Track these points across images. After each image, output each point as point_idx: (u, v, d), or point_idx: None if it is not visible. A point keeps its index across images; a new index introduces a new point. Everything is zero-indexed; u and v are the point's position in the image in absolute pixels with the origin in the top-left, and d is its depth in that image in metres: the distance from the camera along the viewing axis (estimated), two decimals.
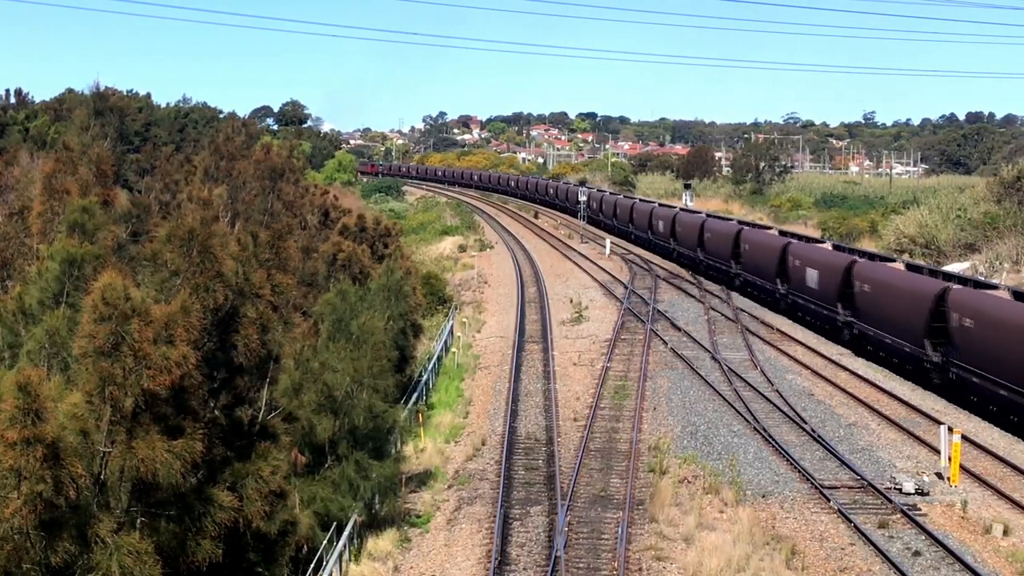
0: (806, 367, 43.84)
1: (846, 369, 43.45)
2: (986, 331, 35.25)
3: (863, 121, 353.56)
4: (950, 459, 29.71)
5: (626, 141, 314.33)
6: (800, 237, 61.60)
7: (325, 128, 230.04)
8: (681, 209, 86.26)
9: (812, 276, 51.34)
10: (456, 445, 33.94)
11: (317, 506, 23.31)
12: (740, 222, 72.68)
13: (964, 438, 30.87)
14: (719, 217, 78.55)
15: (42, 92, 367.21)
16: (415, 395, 37.27)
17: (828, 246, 55.77)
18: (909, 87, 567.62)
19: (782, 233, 64.12)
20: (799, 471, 30.23)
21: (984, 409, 36.29)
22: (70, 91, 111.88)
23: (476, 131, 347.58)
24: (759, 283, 59.82)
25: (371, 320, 26.77)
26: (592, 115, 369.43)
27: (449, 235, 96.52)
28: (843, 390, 39.87)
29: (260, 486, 17.14)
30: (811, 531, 26.13)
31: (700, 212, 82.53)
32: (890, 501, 27.72)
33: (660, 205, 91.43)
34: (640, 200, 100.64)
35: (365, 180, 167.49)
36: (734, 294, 63.03)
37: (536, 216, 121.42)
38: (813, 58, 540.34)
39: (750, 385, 40.11)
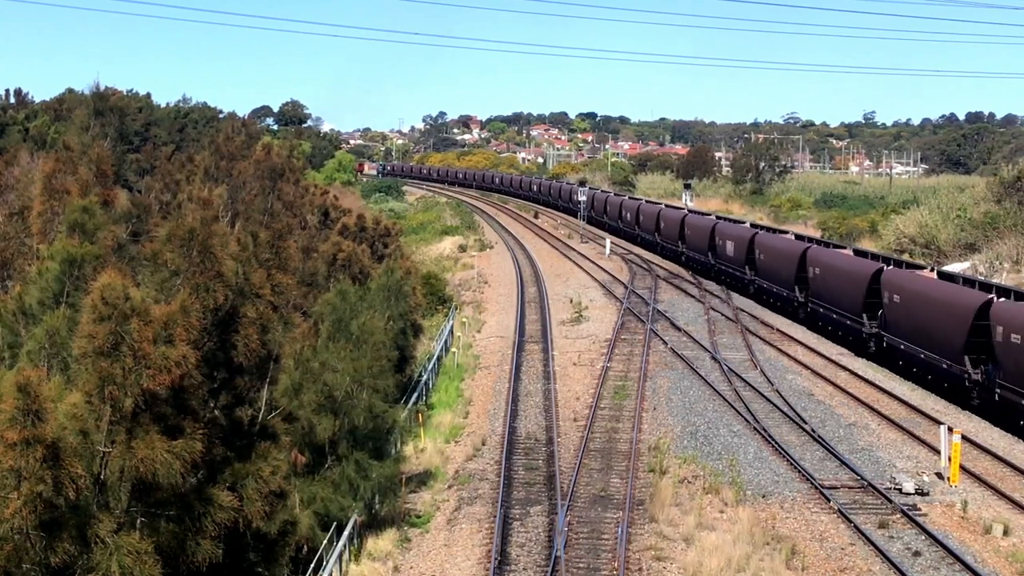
0: (806, 367, 43.86)
1: (846, 369, 43.47)
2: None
3: (863, 121, 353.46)
4: (950, 459, 29.72)
5: (626, 141, 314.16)
6: (769, 229, 66.56)
7: (325, 128, 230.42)
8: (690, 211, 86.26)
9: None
10: (456, 445, 33.94)
11: (317, 506, 23.32)
12: (714, 216, 73.62)
13: (964, 438, 30.88)
14: (699, 213, 78.82)
15: (42, 92, 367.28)
16: (415, 395, 37.27)
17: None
18: (909, 87, 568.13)
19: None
20: (799, 471, 30.24)
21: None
22: (70, 91, 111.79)
23: (476, 131, 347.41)
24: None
25: (371, 320, 26.76)
26: (592, 115, 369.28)
27: (449, 235, 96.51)
28: (843, 390, 39.89)
29: (260, 486, 17.12)
30: (811, 531, 26.13)
31: (682, 209, 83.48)
32: (890, 501, 27.73)
33: (667, 206, 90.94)
34: (641, 200, 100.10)
35: (365, 180, 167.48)
36: (734, 294, 63.08)
37: (536, 216, 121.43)
38: (813, 58, 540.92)
39: (750, 385, 40.12)
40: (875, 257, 49.69)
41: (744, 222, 71.96)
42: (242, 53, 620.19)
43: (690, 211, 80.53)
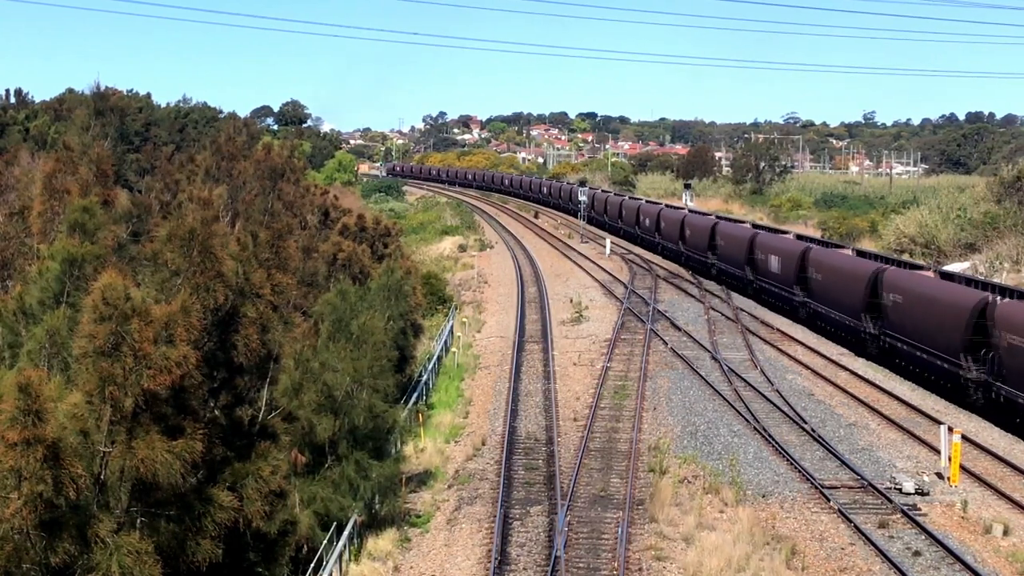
0: (806, 367, 43.85)
1: (846, 369, 43.46)
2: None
3: (863, 121, 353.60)
4: (950, 459, 29.72)
5: (626, 141, 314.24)
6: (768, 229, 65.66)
7: (325, 128, 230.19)
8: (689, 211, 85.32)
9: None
10: (456, 445, 33.95)
11: (317, 506, 23.33)
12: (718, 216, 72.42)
13: (964, 438, 30.88)
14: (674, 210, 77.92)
15: (42, 92, 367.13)
16: (415, 395, 37.28)
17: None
18: (909, 87, 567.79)
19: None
20: (799, 471, 30.24)
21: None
22: (70, 91, 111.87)
23: (476, 131, 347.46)
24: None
25: (371, 320, 26.77)
26: (592, 115, 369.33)
27: (449, 235, 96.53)
28: (843, 390, 39.89)
29: (260, 486, 17.13)
30: (811, 531, 26.14)
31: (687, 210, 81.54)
32: (890, 501, 27.74)
33: (691, 211, 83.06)
34: (661, 204, 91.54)
35: (365, 180, 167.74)
36: (734, 294, 63.06)
37: (536, 216, 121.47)
38: (813, 58, 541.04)
39: (750, 385, 40.12)
40: (971, 283, 40.14)
41: (788, 232, 64.23)
42: (242, 53, 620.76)
43: (719, 217, 73.16)
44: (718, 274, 68.08)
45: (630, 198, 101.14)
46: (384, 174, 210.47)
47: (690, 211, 79.73)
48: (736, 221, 72.29)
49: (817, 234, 76.53)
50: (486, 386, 41.70)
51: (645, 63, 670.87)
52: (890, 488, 28.82)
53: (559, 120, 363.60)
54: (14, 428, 12.92)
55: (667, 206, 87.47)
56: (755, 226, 66.43)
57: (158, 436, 14.34)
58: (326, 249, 37.28)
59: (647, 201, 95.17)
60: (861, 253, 52.37)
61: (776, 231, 65.12)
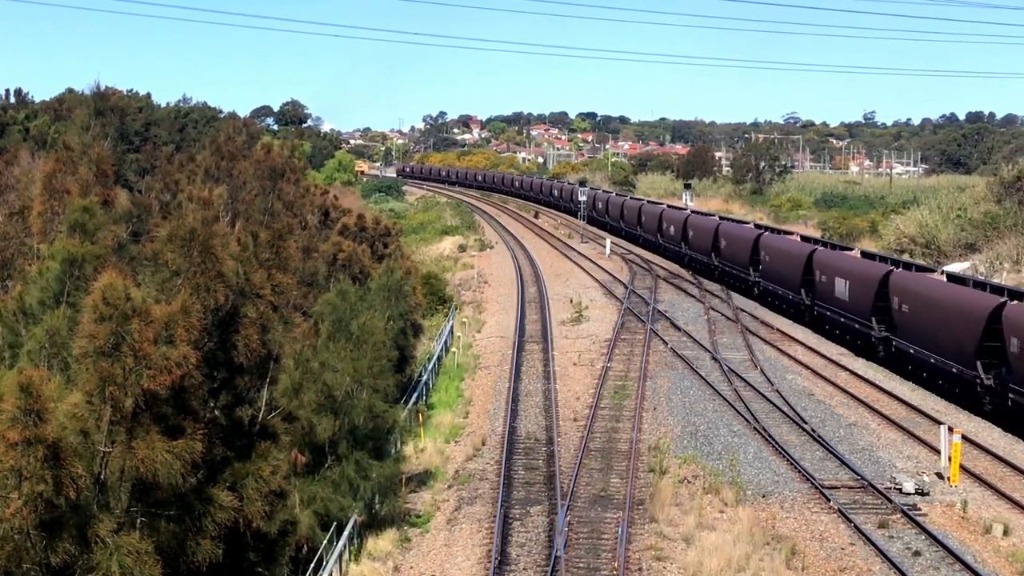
0: (806, 367, 43.85)
1: (846, 369, 43.46)
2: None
3: (863, 121, 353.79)
4: (950, 459, 29.72)
5: (626, 141, 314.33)
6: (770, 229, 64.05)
7: (325, 128, 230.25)
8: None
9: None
10: (456, 445, 33.94)
11: (317, 506, 23.33)
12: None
13: (964, 438, 30.88)
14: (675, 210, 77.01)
15: (42, 92, 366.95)
16: (415, 395, 37.28)
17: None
18: (909, 87, 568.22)
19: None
20: (799, 471, 30.24)
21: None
22: (70, 91, 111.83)
23: (476, 131, 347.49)
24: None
25: (371, 320, 26.77)
26: (592, 115, 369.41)
27: (449, 235, 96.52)
28: (843, 390, 39.89)
29: (260, 486, 17.13)
30: (811, 531, 26.14)
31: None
32: (890, 501, 27.74)
33: (722, 218, 73.85)
34: (687, 210, 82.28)
35: (365, 180, 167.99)
36: (734, 294, 63.02)
37: (536, 216, 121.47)
38: (813, 58, 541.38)
39: (750, 385, 40.12)
40: (756, 226, 33.53)
41: (852, 248, 54.05)
42: (242, 53, 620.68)
43: (760, 227, 64.44)
44: (763, 294, 58.88)
45: (649, 202, 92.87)
46: (393, 174, 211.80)
47: (722, 218, 72.07)
48: (784, 232, 62.66)
49: (817, 234, 76.28)
50: (486, 386, 41.70)
51: (645, 63, 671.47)
52: (890, 488, 28.82)
53: (559, 120, 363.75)
54: (14, 428, 12.92)
55: (694, 212, 79.25)
56: (804, 239, 58.05)
57: (158, 436, 14.35)
58: (326, 249, 37.29)
59: (669, 206, 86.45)
60: (956, 279, 41.67)
61: (838, 247, 54.63)
